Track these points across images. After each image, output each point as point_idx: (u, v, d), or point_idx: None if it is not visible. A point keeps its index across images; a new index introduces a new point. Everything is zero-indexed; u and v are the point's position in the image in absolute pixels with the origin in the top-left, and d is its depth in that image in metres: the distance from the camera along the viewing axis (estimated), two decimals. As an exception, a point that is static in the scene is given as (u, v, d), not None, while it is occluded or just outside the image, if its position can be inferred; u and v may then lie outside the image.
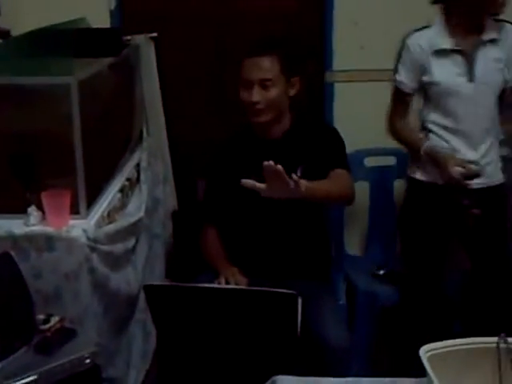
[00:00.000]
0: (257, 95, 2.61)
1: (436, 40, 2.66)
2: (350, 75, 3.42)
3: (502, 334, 1.60)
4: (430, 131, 2.74)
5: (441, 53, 2.65)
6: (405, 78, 2.74)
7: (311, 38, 3.47)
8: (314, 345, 2.38)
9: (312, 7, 3.44)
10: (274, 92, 2.63)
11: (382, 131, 3.37)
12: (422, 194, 2.79)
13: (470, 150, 2.67)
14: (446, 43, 2.65)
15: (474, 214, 2.64)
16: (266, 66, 2.62)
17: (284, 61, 2.64)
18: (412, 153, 2.83)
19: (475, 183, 2.61)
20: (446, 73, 2.65)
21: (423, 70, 2.69)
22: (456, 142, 2.68)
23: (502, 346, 1.59)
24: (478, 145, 2.68)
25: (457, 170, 2.53)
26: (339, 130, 3.24)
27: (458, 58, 2.64)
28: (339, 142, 2.80)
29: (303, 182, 2.32)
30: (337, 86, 3.45)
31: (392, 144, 3.35)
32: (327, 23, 3.38)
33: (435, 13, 2.78)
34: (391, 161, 3.40)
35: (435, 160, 2.64)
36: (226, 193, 2.73)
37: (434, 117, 2.73)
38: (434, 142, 2.71)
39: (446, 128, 2.70)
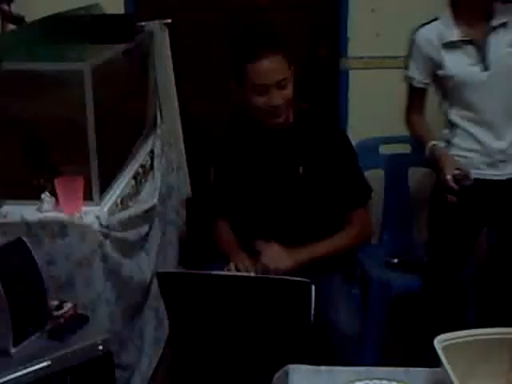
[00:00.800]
0: (277, 98, 2.47)
1: (445, 32, 2.61)
2: (366, 62, 3.40)
3: (518, 325, 1.59)
4: (455, 125, 2.69)
5: (451, 45, 2.61)
6: (416, 73, 2.71)
7: (327, 24, 3.44)
8: (326, 331, 2.36)
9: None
10: (290, 89, 2.51)
11: (397, 118, 3.34)
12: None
13: (496, 140, 2.62)
14: (455, 34, 2.60)
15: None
16: (277, 66, 2.47)
17: (285, 55, 2.50)
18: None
19: (506, 174, 2.61)
20: (458, 65, 2.61)
21: (435, 64, 2.65)
22: (481, 134, 2.63)
23: (517, 336, 1.58)
24: (504, 133, 2.63)
25: (450, 177, 2.50)
26: (353, 118, 3.24)
27: (469, 48, 2.60)
28: (349, 148, 2.73)
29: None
30: (352, 72, 3.43)
31: (407, 131, 3.35)
32: (343, 10, 3.35)
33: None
34: (406, 148, 3.37)
35: (436, 161, 2.61)
36: (233, 183, 2.71)
37: (455, 111, 2.68)
38: (462, 137, 2.67)
39: (468, 120, 2.65)
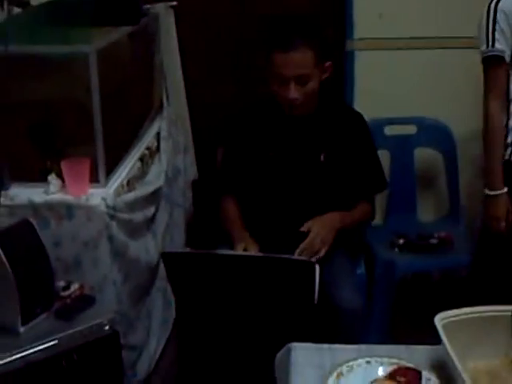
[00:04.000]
0: (295, 92, 2.49)
1: None
2: (370, 43, 3.38)
3: (517, 303, 1.60)
4: None
5: None
6: (505, 46, 2.53)
7: (332, 6, 3.43)
8: (329, 307, 2.38)
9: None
10: (311, 85, 2.51)
11: (403, 99, 3.37)
12: None
13: None
14: None
15: None
16: (302, 61, 2.47)
17: (318, 52, 2.50)
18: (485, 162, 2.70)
19: None
20: None
21: None
22: None
23: (517, 314, 1.59)
24: None
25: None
26: (359, 99, 3.23)
27: None
28: (365, 130, 2.76)
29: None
30: (357, 54, 3.42)
31: (412, 112, 3.35)
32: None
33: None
34: (412, 130, 3.38)
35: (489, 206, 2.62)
36: (244, 162, 2.71)
37: None
38: None
39: None
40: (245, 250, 2.45)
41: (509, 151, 2.64)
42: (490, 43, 2.55)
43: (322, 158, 2.63)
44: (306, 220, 2.56)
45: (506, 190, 2.62)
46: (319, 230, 2.49)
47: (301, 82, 2.48)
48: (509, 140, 2.63)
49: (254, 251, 2.44)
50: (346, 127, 2.69)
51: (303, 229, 2.49)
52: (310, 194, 2.65)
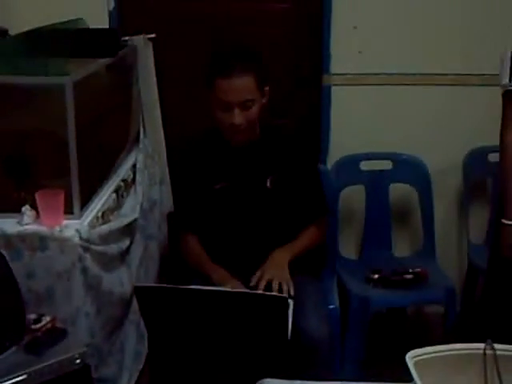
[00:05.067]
0: (239, 118, 2.52)
1: None
2: (348, 79, 3.41)
3: (489, 341, 1.61)
4: None
5: None
6: None
7: (309, 41, 3.47)
8: (295, 338, 2.37)
9: (310, 10, 3.44)
10: (254, 110, 2.55)
11: (379, 135, 3.39)
12: None
13: None
14: None
15: None
16: (246, 86, 2.51)
17: (259, 76, 2.54)
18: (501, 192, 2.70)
19: None
20: None
21: None
22: None
23: (489, 352, 1.59)
24: None
25: None
26: (336, 134, 3.25)
27: None
28: (308, 154, 2.81)
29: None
30: (334, 89, 3.45)
31: (388, 148, 3.38)
32: (325, 26, 3.38)
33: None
34: (387, 165, 3.40)
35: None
36: (198, 199, 2.74)
37: None
38: None
39: None
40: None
41: None
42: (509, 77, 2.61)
43: (268, 184, 2.65)
44: (264, 247, 2.60)
45: None
46: (272, 274, 2.49)
47: (245, 107, 2.52)
48: None
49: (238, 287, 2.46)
50: (289, 152, 2.71)
51: (252, 283, 2.49)
52: (261, 221, 2.68)
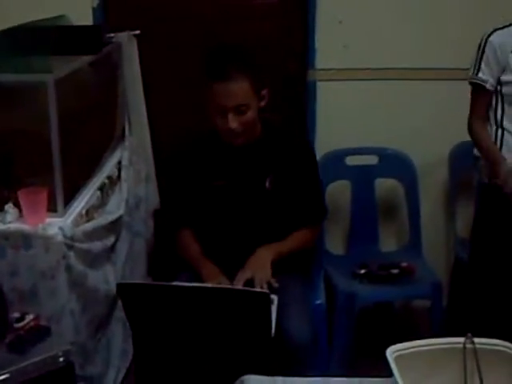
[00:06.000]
0: (234, 122, 2.52)
1: None
2: (333, 74, 3.41)
3: (469, 335, 1.61)
4: (506, 130, 2.73)
5: None
6: (489, 76, 2.72)
7: (294, 36, 3.46)
8: (279, 339, 2.37)
9: (295, 5, 3.43)
10: (249, 114, 2.54)
11: (364, 130, 3.39)
12: (499, 200, 2.70)
13: None
14: None
15: None
16: (241, 91, 2.50)
17: (255, 80, 2.53)
18: (486, 161, 2.77)
19: None
20: None
21: (503, 68, 2.69)
22: None
23: (469, 346, 1.60)
24: None
25: None
26: (321, 129, 3.24)
27: None
28: (310, 157, 2.79)
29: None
30: (319, 84, 3.44)
31: (374, 143, 3.38)
32: (310, 21, 3.37)
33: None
34: (373, 160, 3.40)
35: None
36: (192, 194, 2.74)
37: (509, 116, 2.72)
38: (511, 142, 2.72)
39: None
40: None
41: None
42: (476, 71, 2.76)
43: (267, 184, 2.65)
44: (256, 246, 2.59)
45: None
46: (253, 272, 2.50)
47: (239, 111, 2.51)
48: None
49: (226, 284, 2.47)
50: (291, 153, 2.71)
51: (237, 283, 2.49)
52: (258, 221, 2.68)
